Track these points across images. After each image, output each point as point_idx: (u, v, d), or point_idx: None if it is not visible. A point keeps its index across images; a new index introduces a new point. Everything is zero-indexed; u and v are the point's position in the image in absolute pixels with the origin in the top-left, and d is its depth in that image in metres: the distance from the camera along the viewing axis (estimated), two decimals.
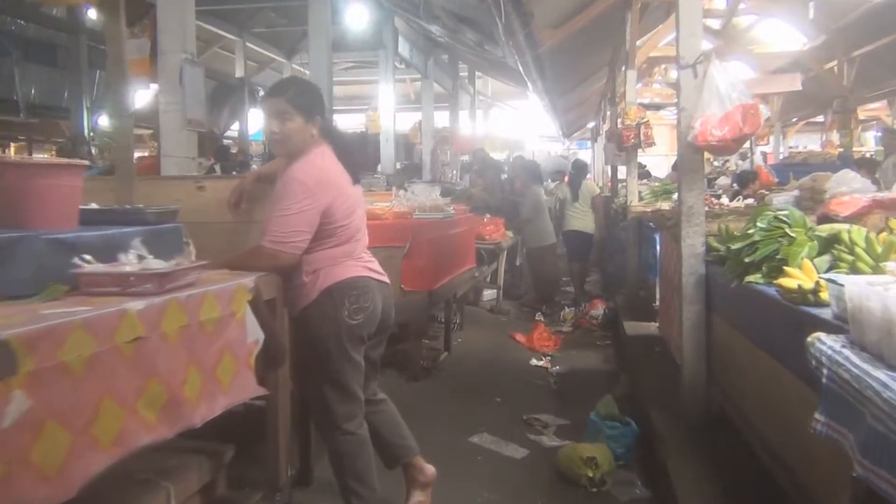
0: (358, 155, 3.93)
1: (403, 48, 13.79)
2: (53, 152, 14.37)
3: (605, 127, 15.65)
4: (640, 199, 8.53)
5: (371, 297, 3.14)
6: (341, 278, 3.10)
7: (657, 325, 6.45)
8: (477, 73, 22.05)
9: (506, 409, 5.32)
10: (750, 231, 3.50)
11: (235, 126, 18.66)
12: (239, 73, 19.04)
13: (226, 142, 16.06)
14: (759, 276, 3.22)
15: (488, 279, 9.28)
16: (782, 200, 4.84)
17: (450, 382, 5.87)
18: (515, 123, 25.64)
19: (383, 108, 13.65)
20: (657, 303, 6.91)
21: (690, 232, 4.15)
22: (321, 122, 3.12)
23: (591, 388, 5.95)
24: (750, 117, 3.76)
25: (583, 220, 10.02)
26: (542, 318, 8.69)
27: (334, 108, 23.02)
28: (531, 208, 9.36)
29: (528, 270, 9.92)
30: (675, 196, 7.56)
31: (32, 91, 13.84)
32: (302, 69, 23.12)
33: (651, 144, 8.41)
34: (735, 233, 3.81)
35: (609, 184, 14.65)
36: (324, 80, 10.05)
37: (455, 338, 7.27)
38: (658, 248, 6.70)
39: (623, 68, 9.01)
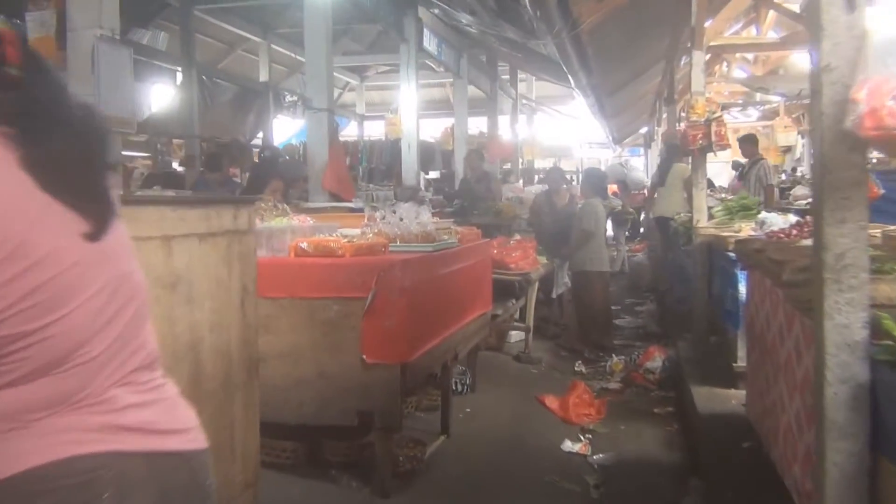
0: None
1: (430, 43, 11.89)
2: None
3: (661, 130, 13.54)
4: (710, 216, 6.48)
5: None
6: (27, 466, 1.19)
7: (743, 402, 4.45)
8: (520, 75, 20.07)
9: None
10: None
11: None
12: (263, 77, 17.42)
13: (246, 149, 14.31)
14: None
15: (516, 316, 7.32)
16: None
17: (439, 494, 3.94)
18: (561, 130, 23.56)
19: (405, 110, 11.77)
20: (738, 362, 4.93)
21: (841, 301, 2.15)
22: None
23: (647, 497, 4.00)
24: None
25: (668, 204, 8.69)
26: (583, 369, 6.68)
27: (366, 114, 21.40)
28: (593, 220, 7.30)
29: (573, 299, 7.87)
30: (762, 216, 5.53)
31: None
32: (337, 74, 21.49)
33: (724, 146, 6.36)
34: None
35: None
36: (322, 73, 8.22)
37: (462, 407, 5.33)
38: (742, 289, 4.69)
39: (682, 60, 7.01)
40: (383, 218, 4.39)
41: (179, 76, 15.11)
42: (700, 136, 6.17)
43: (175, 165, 14.41)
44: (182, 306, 2.14)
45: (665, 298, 8.96)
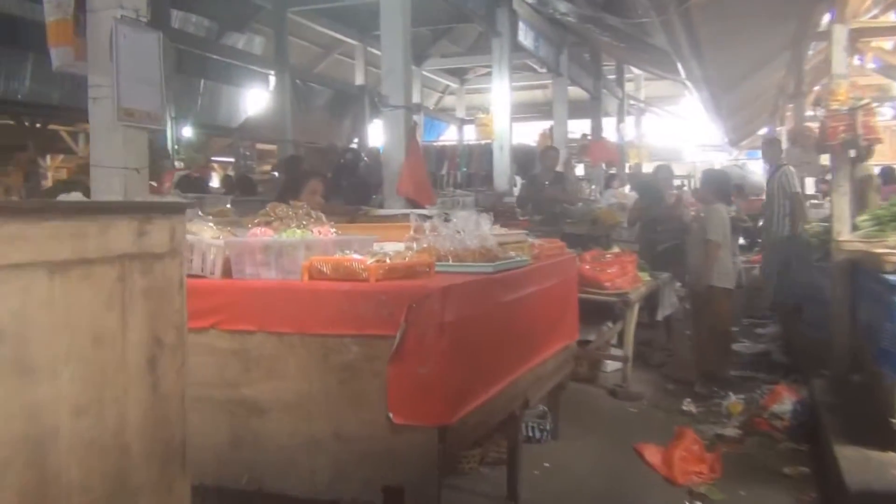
0: None
1: (525, 37, 10.89)
2: None
3: (785, 128, 12.03)
4: (855, 228, 5.21)
5: None
6: None
7: None
8: (627, 74, 18.76)
9: None
10: None
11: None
12: (359, 80, 16.85)
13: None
14: None
15: (612, 341, 6.23)
16: None
17: None
18: (671, 132, 21.97)
19: (498, 110, 10.79)
20: None
21: None
22: None
23: None
24: None
25: None
26: (693, 408, 5.52)
27: (466, 118, 20.51)
28: (720, 228, 6.07)
29: (691, 319, 6.65)
30: None
31: None
32: (435, 77, 20.77)
33: (874, 141, 5.09)
34: None
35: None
36: (398, 67, 7.37)
37: (539, 460, 4.31)
38: None
39: (809, 48, 5.75)
40: (434, 230, 3.45)
41: (273, 80, 14.70)
42: (842, 127, 4.93)
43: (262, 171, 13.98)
44: (4, 380, 1.28)
45: (790, 320, 7.61)
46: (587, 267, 5.68)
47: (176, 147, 11.90)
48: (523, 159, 14.09)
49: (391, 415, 2.68)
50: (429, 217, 4.71)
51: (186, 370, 1.80)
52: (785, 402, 5.17)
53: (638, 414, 5.46)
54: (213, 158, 15.56)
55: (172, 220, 1.69)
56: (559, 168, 9.62)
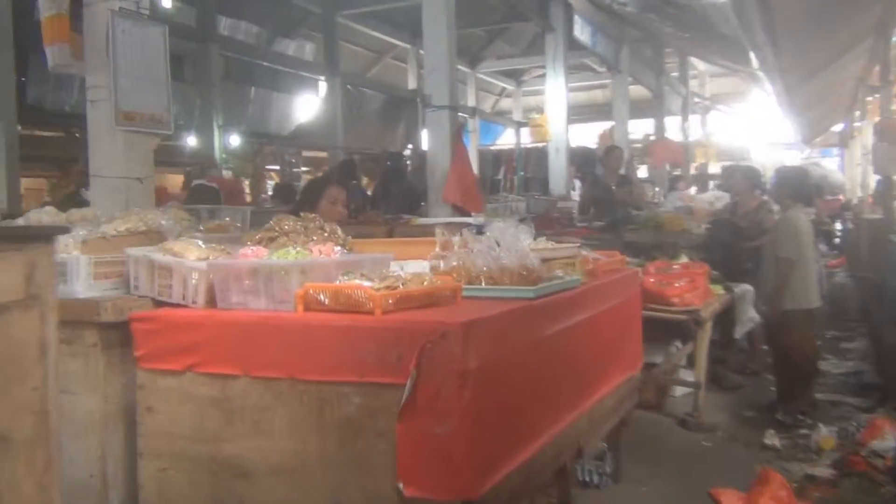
0: None
1: (582, 32, 10.19)
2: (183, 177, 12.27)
3: (868, 122, 11.03)
4: None
5: None
6: None
7: None
8: (691, 70, 17.82)
9: None
10: None
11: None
12: (412, 84, 16.36)
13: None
14: None
15: (682, 363, 5.53)
16: None
17: None
18: (739, 130, 20.85)
19: (553, 110, 10.11)
20: None
21: None
22: None
23: None
24: None
25: None
26: (776, 442, 4.79)
27: (522, 120, 19.82)
28: (793, 243, 5.32)
29: (768, 342, 5.89)
30: None
31: None
32: (491, 79, 20.15)
33: None
34: None
35: (871, 201, 10.14)
36: (442, 65, 6.80)
37: None
38: None
39: None
40: (465, 245, 2.85)
41: (324, 86, 14.33)
42: None
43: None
44: None
45: (882, 333, 6.74)
46: (651, 280, 5.00)
47: (224, 156, 11.60)
48: (582, 162, 13.35)
49: (401, 485, 2.09)
50: (472, 226, 4.14)
51: (56, 473, 1.24)
52: (887, 437, 4.41)
53: (713, 449, 4.75)
54: (267, 167, 15.28)
55: (31, 254, 1.15)
56: (621, 170, 8.90)
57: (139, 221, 2.75)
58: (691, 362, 5.36)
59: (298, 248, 2.52)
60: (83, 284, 2.57)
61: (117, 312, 2.51)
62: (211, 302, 2.52)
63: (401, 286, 2.36)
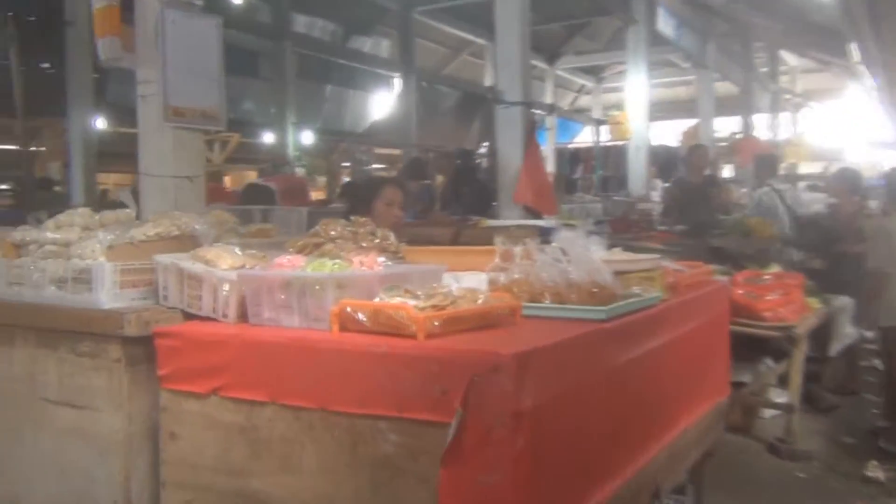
0: None
1: (665, 24, 9.67)
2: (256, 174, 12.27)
3: None
4: None
5: None
6: None
7: None
8: (782, 66, 16.92)
9: None
10: None
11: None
12: (489, 81, 16.03)
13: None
14: None
15: (772, 382, 5.04)
16: None
17: None
18: (833, 128, 19.72)
19: (634, 106, 9.62)
20: None
21: None
22: None
23: None
24: None
25: None
26: (879, 474, 4.28)
27: (602, 118, 19.23)
28: (886, 253, 4.78)
29: (883, 359, 5.32)
30: None
31: (231, 105, 11.83)
32: (570, 76, 19.64)
33: None
34: None
35: None
36: (515, 59, 6.47)
37: None
38: None
39: None
40: (527, 256, 2.51)
41: (399, 84, 14.15)
42: None
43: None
44: None
45: None
46: (740, 292, 4.55)
47: (297, 154, 11.52)
48: (664, 161, 12.78)
49: None
50: (539, 233, 3.81)
51: None
52: None
53: (807, 481, 4.27)
54: (343, 164, 15.20)
55: None
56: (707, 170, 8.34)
57: (171, 225, 2.51)
58: (783, 382, 4.87)
59: (337, 260, 2.23)
60: (108, 294, 2.34)
61: (141, 326, 2.27)
62: (243, 316, 2.26)
63: (450, 305, 2.05)
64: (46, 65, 9.30)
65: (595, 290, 2.34)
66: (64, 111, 8.78)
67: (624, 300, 2.37)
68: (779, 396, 4.91)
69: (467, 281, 2.50)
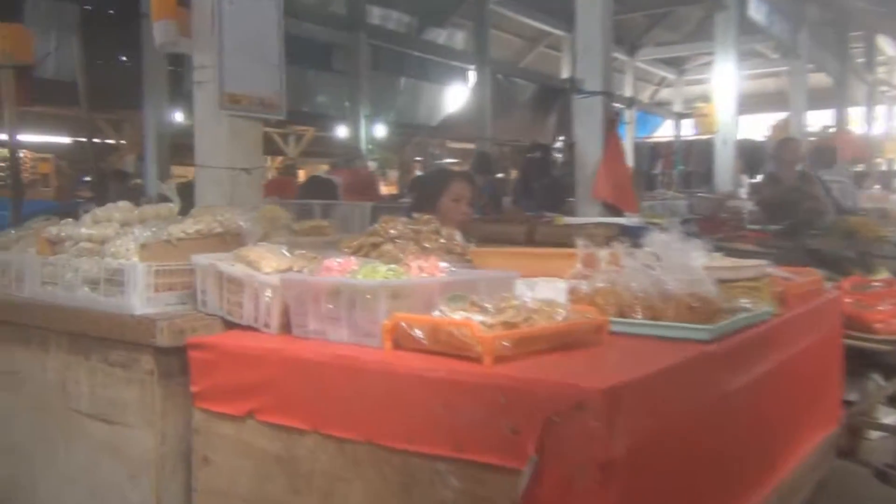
0: None
1: (757, 10, 9.05)
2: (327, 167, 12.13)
3: None
4: None
5: None
6: None
7: None
8: (880, 56, 15.88)
9: None
10: None
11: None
12: (566, 73, 15.53)
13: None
14: None
15: (884, 402, 4.50)
16: None
17: None
18: None
19: (722, 97, 9.04)
20: None
21: None
22: None
23: None
24: None
25: None
26: None
27: (684, 111, 18.48)
28: None
29: None
30: None
31: (305, 98, 11.71)
32: (650, 68, 18.94)
33: None
34: None
35: None
36: (596, 45, 6.06)
37: None
38: None
39: None
40: (614, 261, 2.15)
41: (473, 76, 13.84)
42: None
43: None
44: None
45: None
46: (847, 301, 4.03)
47: (370, 147, 11.33)
48: (749, 156, 12.09)
49: None
50: (625, 233, 3.44)
51: None
52: None
53: None
54: (415, 158, 14.98)
55: None
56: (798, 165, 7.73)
57: (213, 221, 2.25)
58: (893, 401, 4.34)
59: (392, 265, 1.91)
60: (140, 298, 2.09)
61: (175, 335, 2.01)
62: (287, 326, 1.97)
63: (523, 321, 1.71)
64: (124, 58, 9.33)
65: (696, 303, 1.97)
66: (141, 104, 8.79)
67: (731, 316, 1.98)
68: (888, 417, 4.39)
69: (543, 289, 2.16)
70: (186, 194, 3.74)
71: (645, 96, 19.38)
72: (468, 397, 1.52)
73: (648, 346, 1.81)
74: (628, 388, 1.46)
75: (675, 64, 18.28)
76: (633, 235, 2.35)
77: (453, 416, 1.54)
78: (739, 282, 2.36)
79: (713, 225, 5.88)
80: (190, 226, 2.21)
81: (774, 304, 2.37)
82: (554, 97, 15.32)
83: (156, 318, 2.05)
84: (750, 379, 2.01)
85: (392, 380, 1.64)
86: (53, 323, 2.31)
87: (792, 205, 6.09)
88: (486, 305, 1.76)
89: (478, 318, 1.68)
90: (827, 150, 7.77)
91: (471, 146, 14.16)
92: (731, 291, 2.21)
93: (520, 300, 1.85)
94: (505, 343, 1.61)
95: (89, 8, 8.56)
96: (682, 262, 2.11)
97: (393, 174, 12.63)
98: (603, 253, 2.19)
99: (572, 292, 2.11)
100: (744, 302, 2.15)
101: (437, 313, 1.73)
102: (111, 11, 9.00)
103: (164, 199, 3.41)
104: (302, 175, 14.09)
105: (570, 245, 4.00)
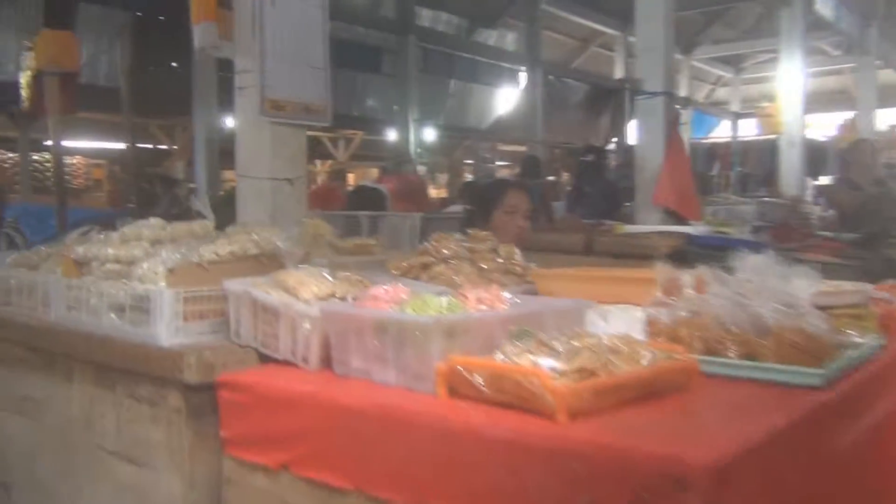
0: None
1: (824, 6, 8.58)
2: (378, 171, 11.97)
3: None
4: None
5: None
6: None
7: None
8: None
9: None
10: None
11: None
12: (619, 73, 15.15)
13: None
14: None
15: None
16: None
17: None
18: None
19: (787, 96, 8.59)
20: None
21: None
22: None
23: None
24: None
25: None
26: None
27: (741, 111, 17.87)
28: None
29: None
30: None
31: (354, 102, 11.57)
32: (706, 67, 18.40)
33: None
34: None
35: None
36: (658, 44, 5.73)
37: None
38: None
39: None
40: (700, 286, 1.86)
41: (524, 77, 13.56)
42: None
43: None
44: None
45: None
46: None
47: (419, 151, 11.13)
48: (812, 158, 11.55)
49: None
50: (691, 240, 3.18)
51: None
52: None
53: None
54: (466, 161, 14.75)
55: None
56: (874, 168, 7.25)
57: (248, 241, 2.03)
58: None
59: (446, 296, 1.66)
60: (168, 327, 1.87)
61: (204, 370, 1.79)
62: (328, 361, 1.74)
63: (601, 366, 1.44)
64: (175, 63, 9.29)
65: (799, 340, 1.67)
66: (191, 110, 8.74)
67: (843, 354, 1.68)
68: None
69: (617, 320, 1.89)
70: (228, 204, 3.54)
71: (700, 96, 18.83)
72: (538, 463, 1.26)
73: (749, 393, 1.53)
74: (739, 461, 1.18)
75: (732, 62, 17.71)
76: (723, 257, 2.04)
77: (519, 483, 1.28)
78: (838, 309, 2.05)
79: (786, 233, 5.49)
80: (222, 247, 1.99)
81: (879, 332, 2.05)
82: (607, 98, 14.92)
83: (184, 351, 1.83)
84: (865, 426, 1.70)
85: (447, 437, 1.38)
86: (78, 351, 2.12)
87: (872, 213, 5.66)
88: (556, 345, 1.50)
89: (548, 363, 1.42)
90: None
91: (522, 149, 13.88)
92: (835, 322, 1.91)
93: (594, 338, 1.58)
94: (584, 396, 1.34)
95: (140, 14, 8.52)
96: (781, 289, 1.81)
97: (442, 178, 12.41)
98: (687, 277, 1.90)
99: (651, 324, 1.83)
100: (854, 335, 1.84)
101: (500, 355, 1.48)
102: (161, 17, 8.95)
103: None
104: (351, 179, 13.98)
105: (632, 256, 3.66)
